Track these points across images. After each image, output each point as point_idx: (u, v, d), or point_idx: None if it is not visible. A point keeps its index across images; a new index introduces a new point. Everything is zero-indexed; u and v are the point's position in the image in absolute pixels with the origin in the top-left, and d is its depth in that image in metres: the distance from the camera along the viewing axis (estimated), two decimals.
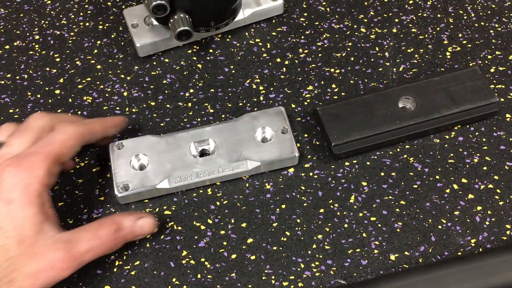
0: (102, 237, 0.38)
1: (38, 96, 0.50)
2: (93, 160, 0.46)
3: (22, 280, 0.35)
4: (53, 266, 0.35)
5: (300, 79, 0.50)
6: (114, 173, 0.43)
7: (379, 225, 0.43)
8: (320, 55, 0.52)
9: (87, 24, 0.55)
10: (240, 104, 0.49)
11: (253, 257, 0.41)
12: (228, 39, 0.53)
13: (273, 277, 0.41)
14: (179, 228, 0.43)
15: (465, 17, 0.54)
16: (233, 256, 0.42)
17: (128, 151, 0.44)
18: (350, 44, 0.52)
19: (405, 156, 0.46)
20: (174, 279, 0.41)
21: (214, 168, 0.44)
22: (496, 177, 0.45)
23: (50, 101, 0.50)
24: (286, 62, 0.52)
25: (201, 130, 0.45)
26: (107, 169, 0.46)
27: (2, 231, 0.35)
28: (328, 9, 0.55)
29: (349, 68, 0.51)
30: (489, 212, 0.43)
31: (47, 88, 0.50)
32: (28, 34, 0.54)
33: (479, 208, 0.43)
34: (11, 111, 0.49)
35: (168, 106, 0.49)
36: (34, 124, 0.40)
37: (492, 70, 0.50)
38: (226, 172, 0.44)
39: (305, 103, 0.49)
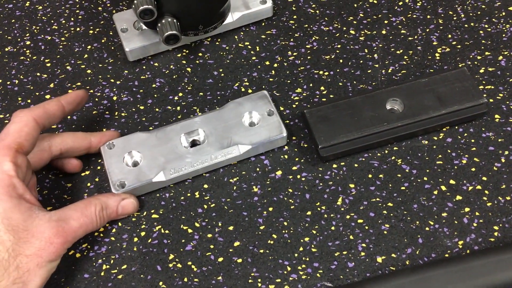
0: (90, 215, 0.40)
1: (29, 101, 0.50)
2: (83, 165, 0.46)
3: (28, 262, 0.36)
4: (51, 242, 0.37)
5: (288, 81, 0.51)
6: (108, 173, 0.44)
7: (366, 227, 0.43)
8: (309, 57, 0.52)
9: (78, 29, 0.55)
10: None
11: (239, 260, 0.42)
12: (217, 43, 0.53)
13: (259, 280, 0.41)
14: (167, 231, 0.43)
15: (454, 18, 0.54)
16: (220, 259, 0.42)
17: (119, 150, 0.45)
18: (339, 46, 0.53)
19: (393, 158, 0.46)
20: (161, 283, 0.41)
21: (206, 157, 0.44)
22: (484, 178, 0.44)
23: None
24: (275, 65, 0.52)
25: (189, 122, 0.46)
26: (96, 174, 0.46)
27: None
28: (317, 11, 0.55)
29: (338, 70, 0.51)
30: (477, 214, 0.43)
31: (37, 93, 0.51)
32: (19, 39, 0.54)
33: (467, 209, 0.43)
34: (1, 116, 0.50)
35: (157, 110, 0.49)
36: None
37: (481, 71, 0.50)
38: (219, 159, 0.44)
39: (294, 106, 0.49)
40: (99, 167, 0.46)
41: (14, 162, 0.38)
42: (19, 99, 0.51)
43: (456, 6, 0.55)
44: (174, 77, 0.51)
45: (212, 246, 0.42)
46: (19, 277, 0.36)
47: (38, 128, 0.40)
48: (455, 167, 0.45)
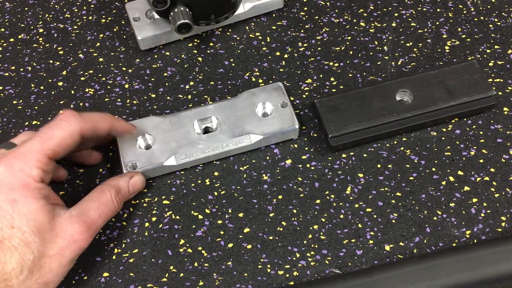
0: (107, 202, 0.40)
1: (42, 88, 0.51)
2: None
3: (50, 262, 0.37)
4: (74, 240, 0.37)
5: (299, 72, 0.51)
6: (121, 154, 0.44)
7: (375, 216, 0.43)
8: (319, 48, 0.52)
9: (90, 17, 0.55)
10: None
11: (249, 246, 0.42)
12: (228, 33, 0.54)
13: (268, 266, 0.41)
14: (177, 217, 0.44)
15: (464, 11, 0.54)
16: (230, 245, 0.42)
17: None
18: (349, 38, 0.53)
19: (401, 148, 0.46)
20: (171, 267, 0.41)
21: (218, 144, 0.45)
22: (492, 170, 0.45)
23: (53, 92, 0.51)
24: (286, 56, 0.52)
25: (203, 109, 0.47)
26: (108, 160, 0.47)
27: (16, 229, 0.36)
28: (328, 3, 0.55)
29: (348, 61, 0.51)
30: (484, 204, 0.43)
31: (50, 80, 0.51)
32: (32, 27, 0.55)
33: (474, 200, 0.44)
34: (14, 102, 0.50)
35: (168, 98, 0.50)
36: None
37: (490, 64, 0.51)
38: (230, 147, 0.45)
39: (304, 96, 0.50)
40: (110, 153, 0.47)
41: (44, 170, 0.37)
42: (32, 85, 0.51)
43: None
44: (186, 66, 0.52)
45: (222, 232, 0.43)
46: (41, 277, 0.36)
47: (79, 142, 0.39)
48: (463, 159, 0.46)
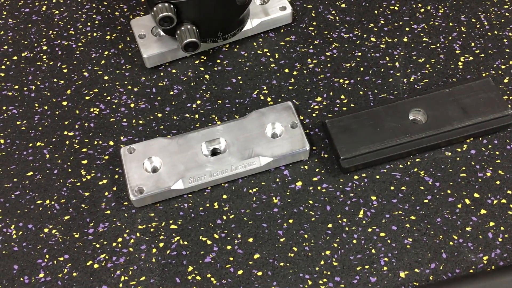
0: None
1: (46, 107, 0.50)
2: (100, 174, 0.46)
3: None
4: None
5: (308, 90, 0.50)
6: (127, 177, 0.43)
7: (389, 241, 0.42)
8: (329, 65, 0.51)
9: (95, 34, 0.54)
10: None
11: (259, 273, 0.41)
12: (236, 49, 0.53)
13: None
14: (185, 243, 0.42)
15: (478, 26, 0.53)
16: (240, 272, 0.41)
17: (139, 155, 0.44)
18: (359, 54, 0.52)
19: (415, 169, 0.45)
20: None
21: (226, 166, 0.44)
22: (509, 192, 0.43)
23: (57, 112, 0.50)
24: (295, 73, 0.51)
25: (211, 129, 0.46)
26: (114, 183, 0.46)
27: None
28: (337, 18, 0.54)
29: (358, 78, 0.50)
30: (502, 228, 0.42)
31: (54, 100, 0.50)
32: (36, 44, 0.54)
33: (491, 224, 0.42)
34: (18, 122, 0.49)
35: (175, 117, 0.49)
36: None
37: (506, 81, 0.49)
38: (239, 169, 0.44)
39: (314, 115, 0.48)
40: (116, 176, 0.46)
41: None
42: (36, 105, 0.50)
43: (479, 13, 0.54)
44: (192, 84, 0.51)
45: (231, 258, 0.42)
46: None
47: None
48: (479, 180, 0.44)
